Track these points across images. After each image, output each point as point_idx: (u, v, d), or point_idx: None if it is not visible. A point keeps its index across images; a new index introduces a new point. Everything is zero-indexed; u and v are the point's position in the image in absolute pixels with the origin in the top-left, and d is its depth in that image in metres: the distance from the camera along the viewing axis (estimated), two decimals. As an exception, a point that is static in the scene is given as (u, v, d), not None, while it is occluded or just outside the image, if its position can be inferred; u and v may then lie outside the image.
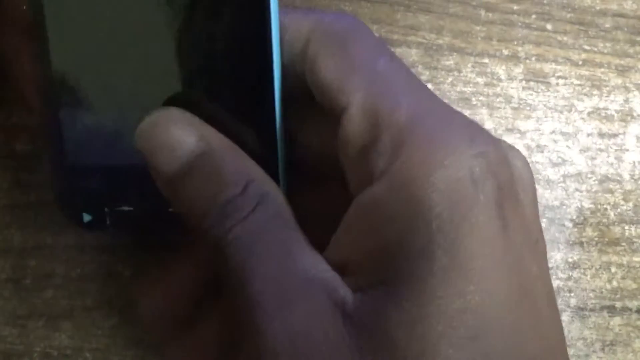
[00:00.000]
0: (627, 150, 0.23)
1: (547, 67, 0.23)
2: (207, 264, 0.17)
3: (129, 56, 0.17)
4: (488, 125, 0.22)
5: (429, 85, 0.22)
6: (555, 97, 0.23)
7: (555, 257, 0.22)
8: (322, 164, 0.16)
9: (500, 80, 0.23)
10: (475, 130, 0.15)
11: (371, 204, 0.14)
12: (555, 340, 0.14)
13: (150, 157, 0.15)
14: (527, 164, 0.15)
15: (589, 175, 0.23)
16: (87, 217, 0.18)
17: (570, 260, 0.23)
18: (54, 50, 0.17)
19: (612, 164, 0.23)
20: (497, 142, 0.15)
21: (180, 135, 0.15)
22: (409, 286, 0.12)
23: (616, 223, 0.23)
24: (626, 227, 0.23)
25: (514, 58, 0.23)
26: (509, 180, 0.14)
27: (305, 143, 0.17)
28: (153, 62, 0.17)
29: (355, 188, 0.14)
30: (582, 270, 0.23)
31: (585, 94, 0.23)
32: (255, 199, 0.14)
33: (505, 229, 0.13)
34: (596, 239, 0.23)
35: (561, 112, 0.23)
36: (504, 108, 0.23)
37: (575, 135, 0.23)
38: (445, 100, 0.23)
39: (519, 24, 0.23)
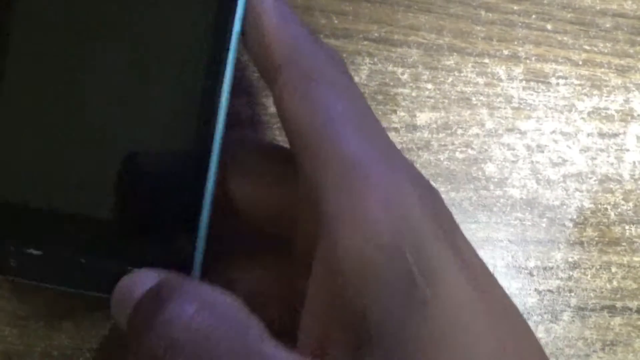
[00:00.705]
0: (628, 150, 0.23)
1: (548, 67, 0.23)
2: None
3: (65, 98, 0.17)
4: (489, 125, 0.23)
5: (429, 85, 0.22)
6: (556, 97, 0.23)
7: (556, 257, 0.23)
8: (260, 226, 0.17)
9: (500, 80, 0.23)
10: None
11: (333, 268, 0.13)
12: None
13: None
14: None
15: (590, 175, 0.23)
16: None
17: (570, 260, 0.23)
18: None
19: (612, 164, 0.23)
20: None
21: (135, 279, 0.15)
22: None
23: (616, 223, 0.23)
24: (627, 227, 0.23)
25: (514, 58, 0.23)
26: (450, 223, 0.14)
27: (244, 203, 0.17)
28: (89, 110, 0.17)
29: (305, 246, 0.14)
30: (582, 270, 0.23)
31: (585, 94, 0.23)
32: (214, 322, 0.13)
33: (475, 288, 0.13)
34: (596, 238, 0.23)
35: (561, 112, 0.23)
36: (505, 108, 0.23)
37: (576, 135, 0.23)
38: (445, 100, 0.23)
39: (519, 24, 0.23)
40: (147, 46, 0.17)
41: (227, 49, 0.16)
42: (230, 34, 0.16)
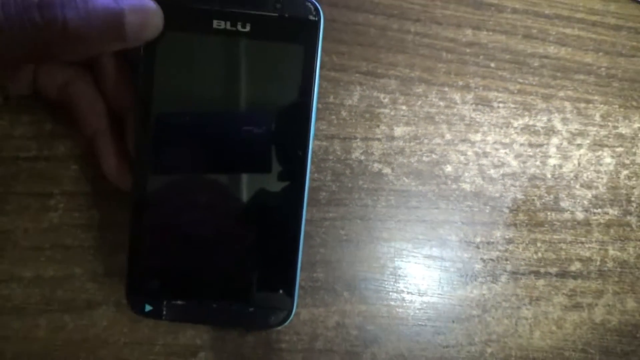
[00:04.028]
0: (550, 156, 0.28)
1: (491, 95, 0.28)
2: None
3: (211, 181, 0.22)
4: (447, 136, 0.28)
5: (404, 107, 0.27)
6: (497, 116, 0.28)
7: (496, 234, 0.28)
8: None
9: (456, 103, 0.28)
10: None
11: None
12: None
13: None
14: None
15: (521, 175, 0.28)
16: (148, 308, 0.22)
17: (506, 237, 0.28)
18: (154, 169, 0.21)
19: (538, 167, 0.28)
20: None
21: None
22: None
23: (541, 210, 0.28)
24: (548, 213, 0.28)
25: (466, 87, 0.28)
26: None
27: None
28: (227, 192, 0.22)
29: None
30: (515, 245, 0.28)
31: (519, 115, 0.28)
32: None
33: None
34: (526, 221, 0.28)
35: (501, 127, 0.28)
36: (459, 124, 0.28)
37: (511, 145, 0.28)
38: (416, 118, 0.28)
39: (471, 62, 0.28)
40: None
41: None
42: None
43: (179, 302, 0.22)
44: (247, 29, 0.20)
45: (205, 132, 0.21)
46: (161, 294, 0.22)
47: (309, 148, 0.21)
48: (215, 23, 0.20)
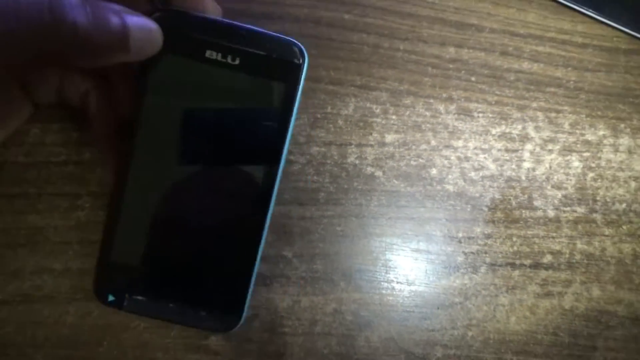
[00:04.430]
0: (524, 160, 0.31)
1: (472, 105, 0.30)
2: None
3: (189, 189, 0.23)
4: (433, 143, 0.30)
5: (394, 117, 0.29)
6: (477, 125, 0.30)
7: (476, 230, 0.30)
8: None
9: (440, 113, 0.30)
10: None
11: None
12: None
13: None
14: None
15: (499, 177, 0.30)
16: (111, 298, 0.24)
17: (485, 232, 0.30)
18: (135, 168, 0.23)
19: (514, 170, 0.31)
20: None
21: None
22: None
23: (516, 208, 0.30)
24: (523, 211, 0.30)
25: (449, 99, 0.30)
26: None
27: None
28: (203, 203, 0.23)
29: None
30: (493, 239, 0.30)
31: (496, 123, 0.31)
32: None
33: None
34: (503, 218, 0.30)
35: (480, 135, 0.30)
36: (443, 132, 0.30)
37: (490, 150, 0.30)
38: (404, 127, 0.29)
39: (453, 76, 0.30)
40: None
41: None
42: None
43: (139, 298, 0.23)
44: (237, 62, 0.22)
45: (185, 146, 0.23)
46: (124, 288, 0.23)
47: (277, 173, 0.23)
48: (208, 53, 0.22)
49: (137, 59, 0.21)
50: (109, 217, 0.23)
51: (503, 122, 0.31)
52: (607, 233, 0.31)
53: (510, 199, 0.31)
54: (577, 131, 0.32)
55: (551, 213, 0.31)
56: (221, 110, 0.23)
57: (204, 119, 0.23)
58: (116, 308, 0.24)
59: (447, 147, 0.30)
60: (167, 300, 0.23)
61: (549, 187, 0.31)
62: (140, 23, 0.20)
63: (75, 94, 0.24)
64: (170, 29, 0.21)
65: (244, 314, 0.24)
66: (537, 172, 0.31)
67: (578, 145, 0.32)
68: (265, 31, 0.22)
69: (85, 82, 0.24)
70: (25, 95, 0.24)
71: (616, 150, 0.32)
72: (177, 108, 0.22)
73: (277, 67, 0.22)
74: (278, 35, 0.22)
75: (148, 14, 0.21)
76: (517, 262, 0.30)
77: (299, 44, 0.22)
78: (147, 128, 0.23)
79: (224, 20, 0.22)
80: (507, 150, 0.31)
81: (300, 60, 0.22)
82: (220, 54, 0.22)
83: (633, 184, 0.32)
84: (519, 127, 0.31)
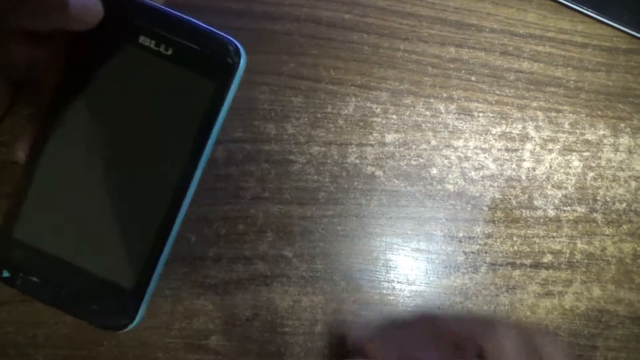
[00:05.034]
0: (524, 160, 0.31)
1: (472, 105, 0.30)
2: None
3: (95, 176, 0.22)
4: (433, 142, 0.30)
5: (394, 116, 0.29)
6: (477, 124, 0.30)
7: (476, 230, 0.30)
8: None
9: (441, 113, 0.30)
10: None
11: None
12: None
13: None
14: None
15: (499, 177, 0.31)
16: (5, 274, 0.22)
17: (486, 232, 0.30)
18: (50, 145, 0.21)
19: (514, 169, 0.31)
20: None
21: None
22: None
23: (517, 208, 0.31)
24: (523, 211, 0.31)
25: (450, 99, 0.30)
26: None
27: None
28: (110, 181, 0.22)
29: None
30: (494, 239, 0.30)
31: (497, 123, 0.31)
32: None
33: None
34: (503, 218, 0.30)
35: (481, 134, 0.31)
36: (444, 131, 0.30)
37: (490, 150, 0.31)
38: (404, 126, 0.30)
39: (454, 76, 0.30)
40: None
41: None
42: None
43: (33, 279, 0.22)
44: (169, 52, 0.21)
45: (100, 129, 0.22)
46: (19, 266, 0.22)
47: (193, 174, 0.22)
48: (141, 39, 0.21)
49: (76, 27, 0.20)
50: (15, 190, 0.22)
51: (503, 121, 0.31)
52: (607, 232, 0.31)
53: (510, 199, 0.31)
54: (577, 131, 0.32)
55: (551, 213, 0.31)
56: (145, 99, 0.22)
57: (126, 105, 0.22)
58: (9, 285, 0.23)
59: (448, 146, 0.30)
60: (60, 288, 0.22)
61: (549, 187, 0.31)
62: None
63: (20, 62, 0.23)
64: (109, 8, 0.21)
65: (139, 316, 0.22)
66: (537, 172, 0.31)
67: (578, 145, 0.32)
68: (205, 26, 0.21)
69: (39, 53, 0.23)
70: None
71: (616, 150, 0.32)
72: (100, 90, 0.22)
73: (209, 64, 0.21)
74: (216, 31, 0.21)
75: None
76: (518, 261, 0.31)
77: (237, 43, 0.21)
78: (66, 104, 0.22)
79: (165, 8, 0.22)
80: (507, 149, 0.31)
81: (235, 60, 0.21)
82: (153, 42, 0.21)
83: (633, 184, 0.32)
84: (519, 126, 0.31)
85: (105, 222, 0.22)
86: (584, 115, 0.32)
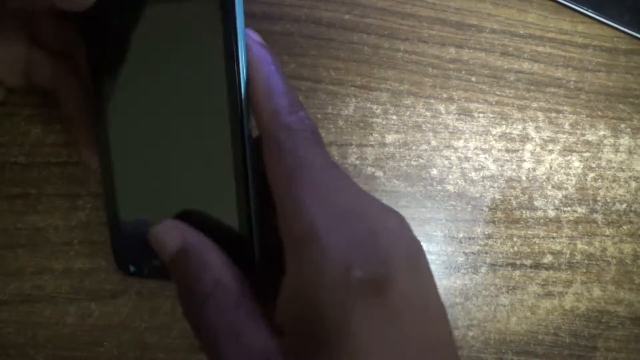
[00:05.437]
0: (524, 160, 0.31)
1: (472, 106, 0.30)
2: None
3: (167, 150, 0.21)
4: (433, 143, 0.30)
5: (394, 117, 0.29)
6: (477, 125, 0.30)
7: (477, 230, 0.30)
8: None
9: (441, 113, 0.30)
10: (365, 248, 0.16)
11: (288, 294, 0.17)
12: None
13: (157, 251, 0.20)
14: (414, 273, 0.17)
15: (499, 177, 0.31)
16: (132, 268, 0.22)
17: (486, 232, 0.30)
18: (115, 141, 0.21)
19: (514, 170, 0.31)
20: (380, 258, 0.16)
21: (166, 238, 0.20)
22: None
23: (517, 209, 0.31)
24: (523, 212, 0.31)
25: (450, 99, 0.30)
26: (380, 281, 0.16)
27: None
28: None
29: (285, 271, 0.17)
30: (494, 240, 0.30)
31: (497, 123, 0.31)
32: (210, 287, 0.18)
33: (380, 316, 0.15)
34: (503, 219, 0.30)
35: (481, 135, 0.31)
36: (444, 132, 0.30)
37: (490, 150, 0.31)
38: (405, 127, 0.30)
39: (454, 77, 0.30)
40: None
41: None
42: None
43: (154, 263, 0.22)
44: None
45: (148, 88, 0.21)
46: (139, 256, 0.22)
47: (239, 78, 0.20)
48: None
49: (66, 6, 0.19)
50: (104, 190, 0.22)
51: (503, 122, 0.31)
52: (607, 233, 0.31)
53: (510, 199, 0.31)
54: (578, 131, 0.32)
55: (552, 213, 0.31)
56: (169, 44, 0.21)
57: (159, 57, 0.21)
58: (139, 277, 0.23)
59: (448, 147, 0.30)
60: None
61: (549, 188, 0.31)
62: None
63: (43, 76, 0.23)
64: None
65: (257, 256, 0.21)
66: (537, 173, 0.31)
67: (578, 146, 0.32)
68: None
69: (53, 64, 0.23)
70: None
71: (616, 151, 0.32)
72: (131, 54, 0.21)
73: None
74: None
75: None
76: (518, 262, 0.31)
77: None
78: (106, 90, 0.22)
79: None
80: (507, 150, 0.31)
81: None
82: None
83: (633, 184, 0.32)
84: (520, 127, 0.31)
85: (189, 177, 0.21)
86: (584, 115, 0.32)
